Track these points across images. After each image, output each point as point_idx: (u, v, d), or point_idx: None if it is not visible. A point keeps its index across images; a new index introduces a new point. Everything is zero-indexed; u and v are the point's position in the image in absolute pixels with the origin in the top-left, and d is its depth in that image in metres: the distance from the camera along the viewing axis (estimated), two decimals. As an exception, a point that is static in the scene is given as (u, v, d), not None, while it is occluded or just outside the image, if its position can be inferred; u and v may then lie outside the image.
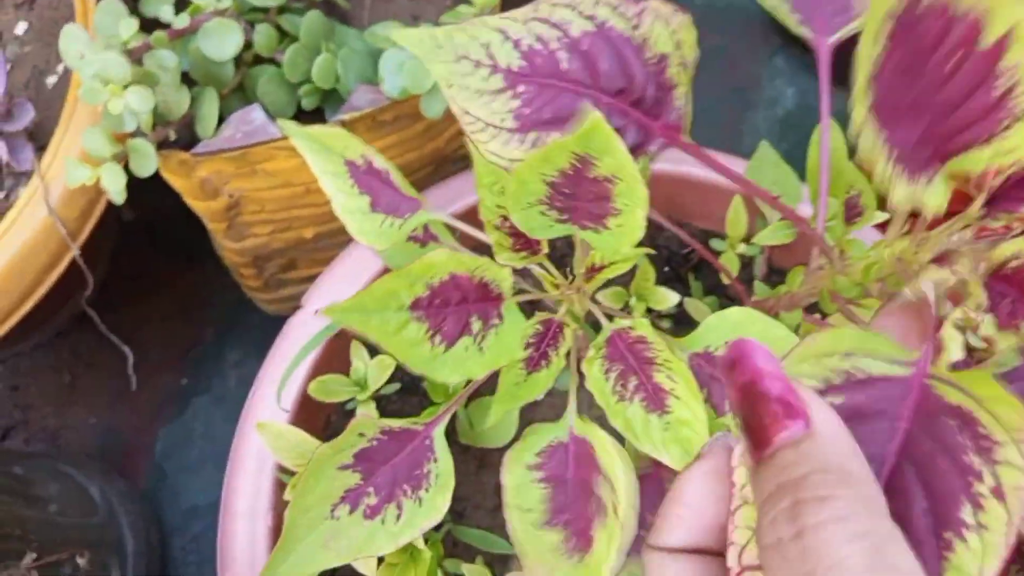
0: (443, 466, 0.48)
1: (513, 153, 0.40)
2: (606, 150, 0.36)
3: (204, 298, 0.99)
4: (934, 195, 0.32)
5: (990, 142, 0.32)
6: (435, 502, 0.48)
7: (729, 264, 0.65)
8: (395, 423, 0.49)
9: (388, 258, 0.61)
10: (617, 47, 0.40)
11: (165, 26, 0.57)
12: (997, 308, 0.32)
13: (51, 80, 0.68)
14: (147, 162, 0.55)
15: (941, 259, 0.35)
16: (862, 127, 0.32)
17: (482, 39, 0.40)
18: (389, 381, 0.64)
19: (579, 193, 0.39)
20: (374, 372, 0.61)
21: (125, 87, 0.52)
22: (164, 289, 0.99)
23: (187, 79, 0.61)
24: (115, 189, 0.54)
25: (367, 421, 0.48)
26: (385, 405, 0.66)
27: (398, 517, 0.48)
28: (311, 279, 0.65)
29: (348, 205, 0.53)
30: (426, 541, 0.58)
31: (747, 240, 0.67)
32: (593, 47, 0.40)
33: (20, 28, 0.70)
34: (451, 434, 0.65)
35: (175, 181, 0.62)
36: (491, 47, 0.40)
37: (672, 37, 0.40)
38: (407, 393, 0.67)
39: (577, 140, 0.36)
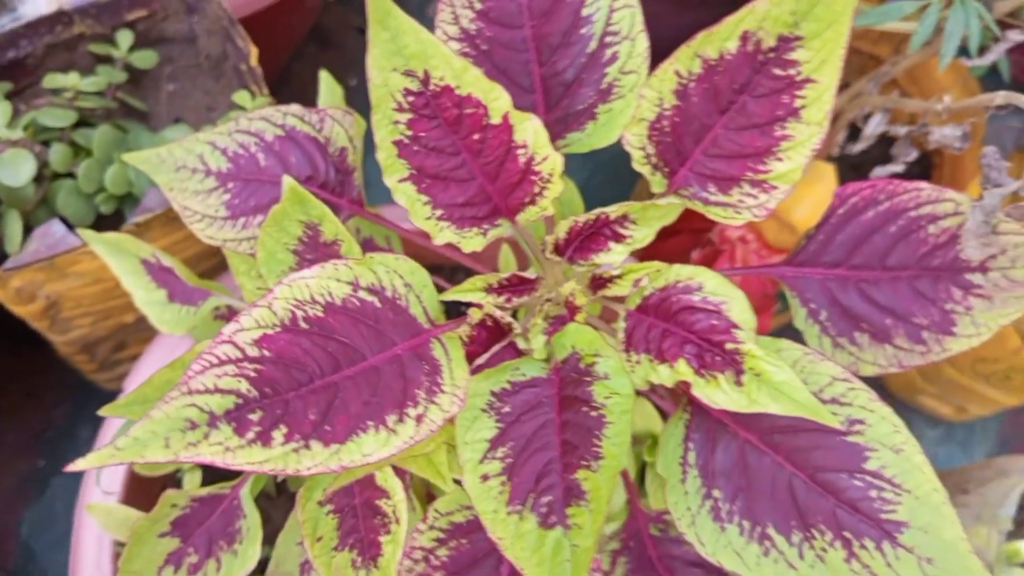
0: (251, 521, 0.56)
1: (227, 235, 0.51)
2: (317, 212, 0.46)
3: (51, 381, 1.05)
4: (473, 243, 0.44)
5: (535, 202, 0.42)
6: (248, 552, 0.56)
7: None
8: (203, 491, 0.57)
9: (197, 336, 0.68)
10: (303, 145, 0.51)
11: (-37, 158, 0.63)
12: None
13: None
14: (-41, 282, 0.61)
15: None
16: (400, 191, 0.42)
17: (196, 151, 0.51)
18: (216, 446, 0.71)
19: (319, 259, 0.48)
20: (197, 441, 0.68)
21: (-73, 222, 0.58)
22: (10, 377, 1.03)
23: (-6, 198, 0.67)
24: (-69, 307, 0.60)
25: (177, 493, 0.56)
26: (213, 471, 0.73)
27: (218, 569, 0.56)
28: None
29: (147, 298, 0.60)
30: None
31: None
32: (284, 147, 0.51)
33: None
34: (282, 485, 0.73)
35: (-7, 291, 0.68)
36: (204, 156, 0.51)
37: (347, 134, 0.51)
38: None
39: (285, 202, 0.46)
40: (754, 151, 0.42)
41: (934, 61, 0.79)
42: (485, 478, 0.39)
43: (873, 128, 0.62)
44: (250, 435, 0.34)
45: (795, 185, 0.42)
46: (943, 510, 0.40)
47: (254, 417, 0.34)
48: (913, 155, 0.61)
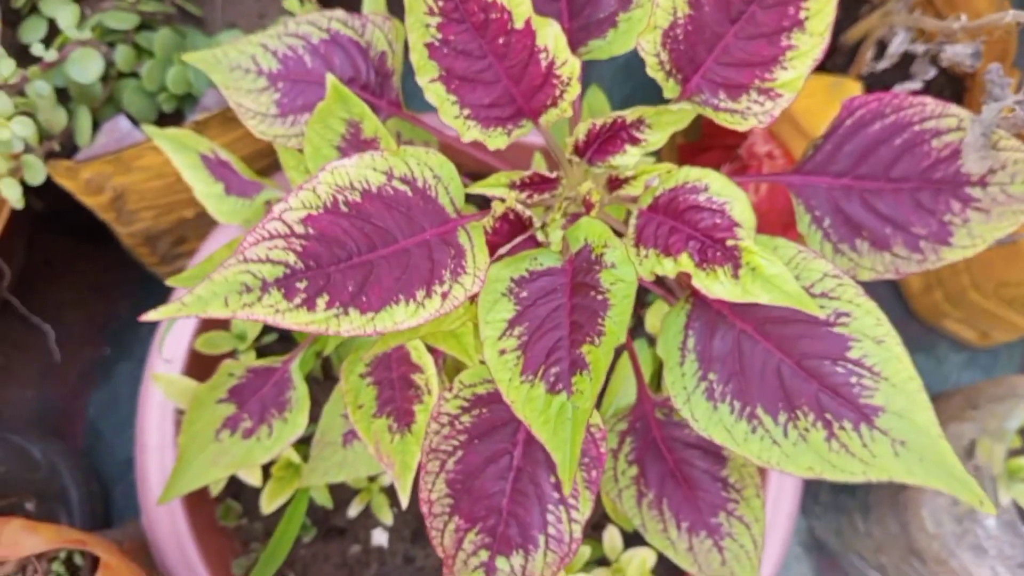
0: (300, 392, 0.62)
1: (277, 131, 0.55)
2: (358, 110, 0.50)
3: (116, 276, 1.12)
4: (497, 141, 0.47)
5: (556, 104, 0.46)
6: (297, 420, 0.62)
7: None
8: (258, 362, 0.63)
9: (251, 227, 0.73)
10: (346, 48, 0.55)
11: (39, 59, 0.68)
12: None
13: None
14: (37, 173, 0.67)
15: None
16: (430, 90, 0.46)
17: (249, 52, 0.55)
18: (268, 332, 0.77)
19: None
20: (250, 325, 0.74)
21: (9, 118, 0.63)
22: (79, 271, 1.10)
23: (65, 95, 0.72)
24: (14, 198, 0.66)
25: (234, 363, 0.62)
26: (267, 353, 0.79)
27: (270, 434, 0.62)
28: (200, 251, 0.78)
29: (206, 191, 0.66)
30: (304, 459, 0.72)
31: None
32: (328, 50, 0.55)
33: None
34: (328, 370, 0.79)
35: (65, 183, 0.74)
36: (256, 57, 0.55)
37: (387, 38, 0.55)
38: (285, 341, 0.80)
39: (329, 99, 0.50)
40: (761, 60, 0.45)
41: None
42: (503, 352, 0.44)
43: (896, 47, 0.64)
44: (297, 300, 0.39)
45: (798, 93, 0.45)
46: (918, 397, 0.43)
47: (300, 286, 0.39)
48: (932, 73, 0.63)
